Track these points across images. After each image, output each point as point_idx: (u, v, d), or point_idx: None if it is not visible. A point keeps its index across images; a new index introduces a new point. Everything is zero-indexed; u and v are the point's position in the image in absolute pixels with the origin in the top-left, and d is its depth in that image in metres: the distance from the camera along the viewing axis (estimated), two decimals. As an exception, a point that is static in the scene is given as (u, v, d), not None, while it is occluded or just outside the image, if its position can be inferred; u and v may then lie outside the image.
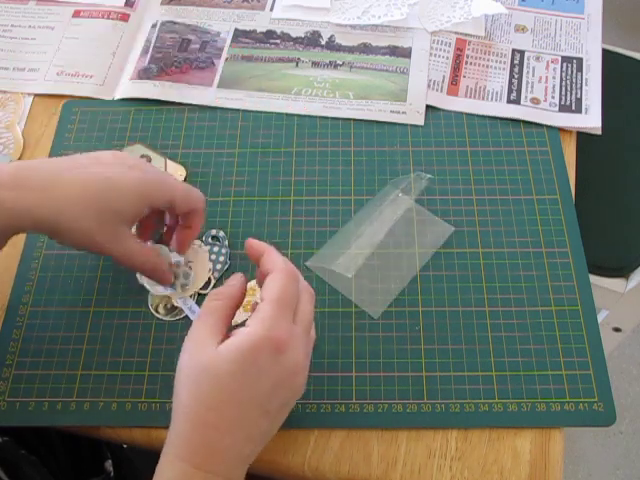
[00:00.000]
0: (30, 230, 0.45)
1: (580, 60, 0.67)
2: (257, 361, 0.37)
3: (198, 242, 0.55)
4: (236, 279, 0.43)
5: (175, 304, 0.53)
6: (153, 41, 0.69)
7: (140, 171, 0.46)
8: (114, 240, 0.45)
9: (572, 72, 0.66)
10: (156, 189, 0.46)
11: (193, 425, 0.37)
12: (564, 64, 0.67)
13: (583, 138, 0.63)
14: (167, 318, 0.53)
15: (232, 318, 0.42)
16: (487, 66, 0.67)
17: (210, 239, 0.56)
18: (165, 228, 0.52)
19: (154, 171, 0.48)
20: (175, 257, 0.51)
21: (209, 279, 0.54)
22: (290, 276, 0.41)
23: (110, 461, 0.62)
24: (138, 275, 0.53)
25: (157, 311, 0.53)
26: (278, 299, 0.39)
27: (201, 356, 0.38)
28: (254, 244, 0.43)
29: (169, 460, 0.38)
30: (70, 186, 0.44)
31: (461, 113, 0.63)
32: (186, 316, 0.52)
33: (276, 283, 0.40)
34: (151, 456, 0.40)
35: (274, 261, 0.42)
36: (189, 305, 0.52)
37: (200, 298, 0.53)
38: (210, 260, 0.55)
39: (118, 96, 0.66)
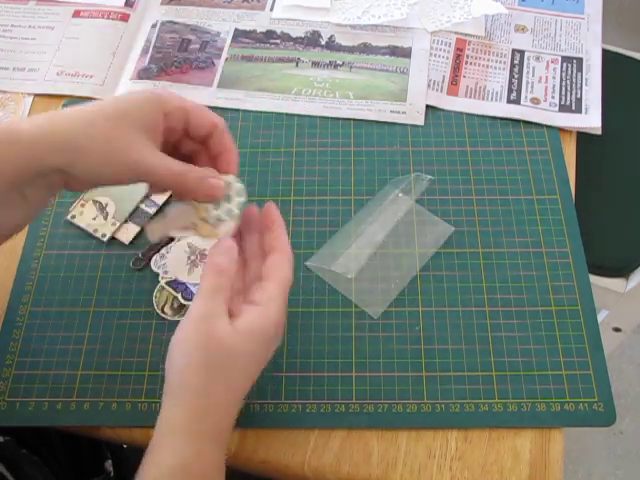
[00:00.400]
0: (49, 162, 0.39)
1: (580, 60, 0.67)
2: (266, 342, 0.40)
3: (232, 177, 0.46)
4: (233, 251, 0.42)
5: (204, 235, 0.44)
6: (153, 41, 0.69)
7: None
8: (143, 150, 0.40)
9: (572, 72, 0.66)
10: (166, 96, 0.42)
11: (208, 403, 0.38)
12: (564, 64, 0.67)
13: (583, 138, 0.63)
14: (175, 318, 0.52)
15: None
16: (487, 66, 0.67)
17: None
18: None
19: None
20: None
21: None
22: (292, 260, 0.43)
23: (110, 461, 0.62)
24: (153, 262, 0.52)
25: (163, 311, 0.53)
26: (285, 282, 0.42)
27: (215, 333, 0.38)
28: (273, 211, 0.44)
29: (181, 439, 0.37)
30: (83, 108, 0.41)
31: (461, 113, 0.63)
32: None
33: (284, 265, 0.42)
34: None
35: (283, 241, 0.43)
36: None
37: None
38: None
39: (118, 96, 0.66)
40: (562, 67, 0.67)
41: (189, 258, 0.55)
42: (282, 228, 0.44)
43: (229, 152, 0.45)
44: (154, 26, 0.71)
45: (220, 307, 0.39)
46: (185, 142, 0.45)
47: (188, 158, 0.45)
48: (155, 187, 0.44)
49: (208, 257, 0.42)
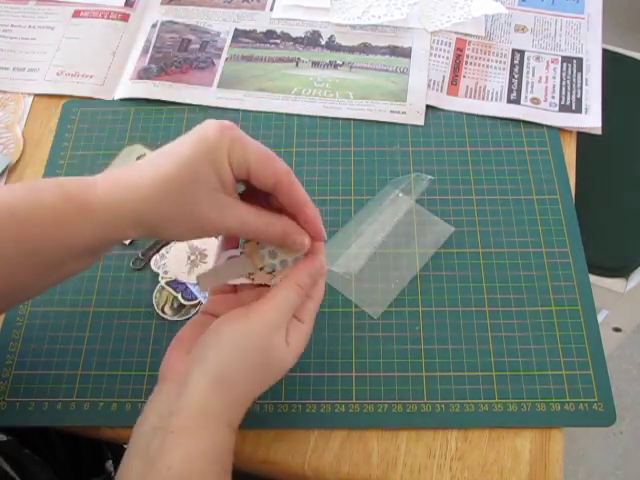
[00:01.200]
0: (129, 234, 0.40)
1: (580, 60, 0.67)
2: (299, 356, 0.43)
3: None
4: (320, 277, 0.44)
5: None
6: (153, 41, 0.69)
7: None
8: (221, 210, 0.39)
9: (572, 72, 0.66)
10: (231, 142, 0.40)
11: (245, 400, 0.40)
12: (564, 64, 0.67)
13: (583, 138, 0.63)
14: (174, 318, 0.52)
15: None
16: (487, 66, 0.67)
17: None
18: None
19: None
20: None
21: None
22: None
23: (110, 461, 0.62)
24: (153, 262, 0.51)
25: (163, 311, 0.53)
26: (320, 302, 0.44)
27: (276, 343, 0.40)
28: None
29: (215, 425, 0.38)
30: (155, 170, 0.39)
31: (461, 113, 0.63)
32: (192, 316, 0.52)
33: (322, 285, 0.44)
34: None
35: (321, 252, 0.44)
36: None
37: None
38: None
39: (118, 96, 0.66)
40: (562, 67, 0.67)
41: (189, 258, 0.55)
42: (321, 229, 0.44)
43: (302, 209, 0.42)
44: (154, 26, 0.71)
45: (286, 321, 0.41)
46: None
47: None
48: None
49: (296, 269, 0.42)
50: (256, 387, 0.41)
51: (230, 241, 0.45)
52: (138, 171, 0.39)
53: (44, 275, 0.41)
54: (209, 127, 0.39)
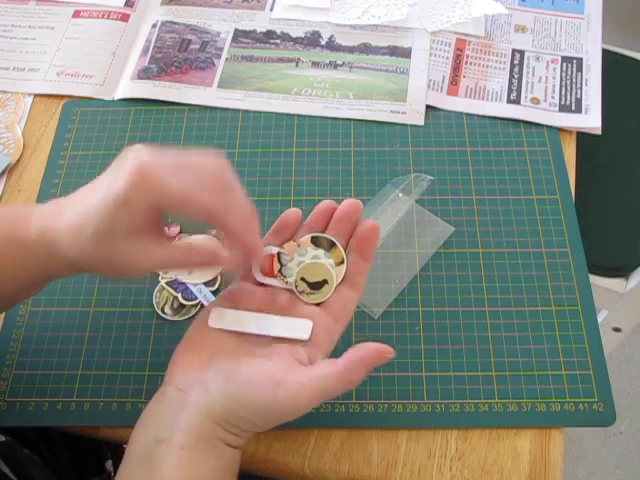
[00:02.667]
0: (68, 273, 0.42)
1: (580, 60, 0.67)
2: None
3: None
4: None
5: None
6: (153, 41, 0.69)
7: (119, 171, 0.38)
8: (132, 256, 0.38)
9: (572, 72, 0.66)
10: (161, 191, 0.37)
11: (254, 430, 0.40)
12: (564, 64, 0.67)
13: (583, 138, 0.63)
14: (174, 318, 0.52)
15: None
16: (487, 66, 0.67)
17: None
18: None
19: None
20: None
21: None
22: None
23: (110, 461, 0.62)
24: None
25: (163, 311, 0.53)
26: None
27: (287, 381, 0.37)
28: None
29: (222, 445, 0.38)
30: (69, 217, 0.39)
31: (461, 113, 0.63)
32: (192, 316, 0.52)
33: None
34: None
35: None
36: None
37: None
38: None
39: (118, 96, 0.66)
40: (562, 67, 0.67)
41: (189, 258, 0.55)
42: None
43: (239, 240, 0.40)
44: (154, 26, 0.71)
45: (303, 360, 0.39)
46: None
47: None
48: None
49: (352, 368, 0.38)
50: (264, 428, 0.40)
51: (283, 227, 0.43)
52: (59, 215, 0.39)
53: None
54: (123, 173, 0.36)
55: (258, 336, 0.41)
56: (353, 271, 0.43)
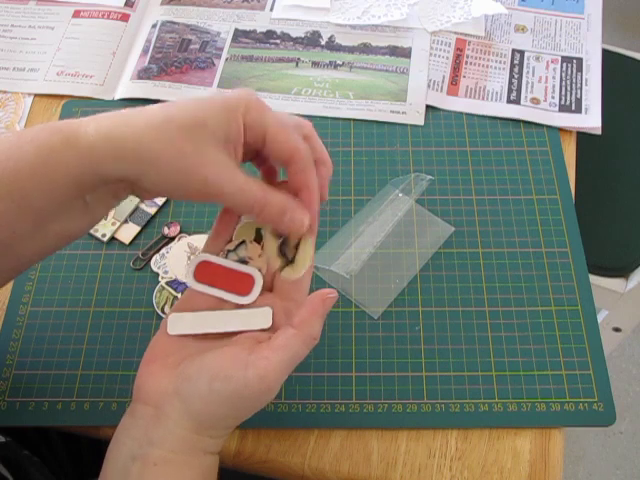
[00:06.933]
0: (111, 171, 0.35)
1: (580, 60, 0.67)
2: None
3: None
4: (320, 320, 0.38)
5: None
6: (153, 41, 0.69)
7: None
8: (219, 170, 0.35)
9: (572, 72, 0.66)
10: (248, 102, 0.37)
11: (228, 429, 0.38)
12: (564, 64, 0.67)
13: (583, 138, 0.63)
14: None
15: None
16: (487, 66, 0.67)
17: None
18: None
19: None
20: None
21: None
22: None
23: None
24: (153, 262, 0.50)
25: (163, 311, 0.53)
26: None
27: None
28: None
29: (196, 455, 0.37)
30: (156, 110, 0.36)
31: (461, 113, 0.63)
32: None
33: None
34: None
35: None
36: None
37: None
38: None
39: (118, 96, 0.66)
40: (562, 67, 0.67)
41: (189, 258, 0.55)
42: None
43: (308, 192, 0.39)
44: (154, 26, 0.71)
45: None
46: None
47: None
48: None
49: (305, 323, 0.37)
50: (241, 419, 0.38)
51: (224, 228, 0.41)
52: (143, 109, 0.36)
53: (37, 223, 0.36)
54: (231, 92, 0.37)
55: (221, 334, 0.39)
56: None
